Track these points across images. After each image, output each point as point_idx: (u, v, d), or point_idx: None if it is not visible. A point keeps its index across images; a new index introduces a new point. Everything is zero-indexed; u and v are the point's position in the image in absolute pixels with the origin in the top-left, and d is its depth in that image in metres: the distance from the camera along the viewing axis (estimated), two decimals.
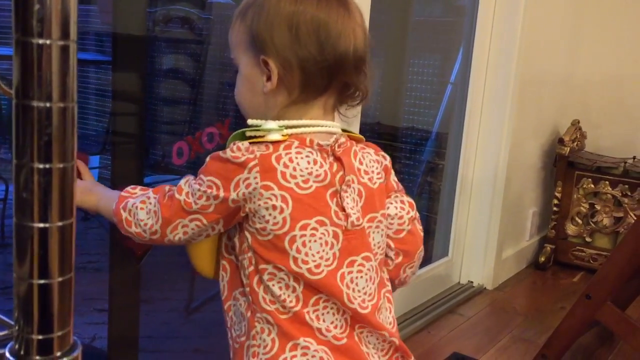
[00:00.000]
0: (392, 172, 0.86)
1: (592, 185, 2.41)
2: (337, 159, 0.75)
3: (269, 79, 0.75)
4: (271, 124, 0.73)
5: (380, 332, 0.78)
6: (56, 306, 0.35)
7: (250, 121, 0.76)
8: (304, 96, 0.75)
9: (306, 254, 0.73)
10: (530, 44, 2.10)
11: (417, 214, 0.89)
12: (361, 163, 0.79)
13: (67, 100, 0.32)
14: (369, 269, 0.77)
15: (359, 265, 0.77)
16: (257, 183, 0.71)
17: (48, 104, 0.32)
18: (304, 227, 0.73)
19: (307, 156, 0.73)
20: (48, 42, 0.31)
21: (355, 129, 1.49)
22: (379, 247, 0.81)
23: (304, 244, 0.73)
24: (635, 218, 2.26)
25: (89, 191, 0.86)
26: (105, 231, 1.69)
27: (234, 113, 2.20)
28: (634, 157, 2.44)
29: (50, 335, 0.35)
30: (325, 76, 0.74)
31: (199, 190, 0.72)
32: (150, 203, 0.77)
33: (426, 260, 2.12)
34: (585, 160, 2.43)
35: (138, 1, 1.33)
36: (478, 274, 2.17)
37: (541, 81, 2.33)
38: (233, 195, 0.71)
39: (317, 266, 0.73)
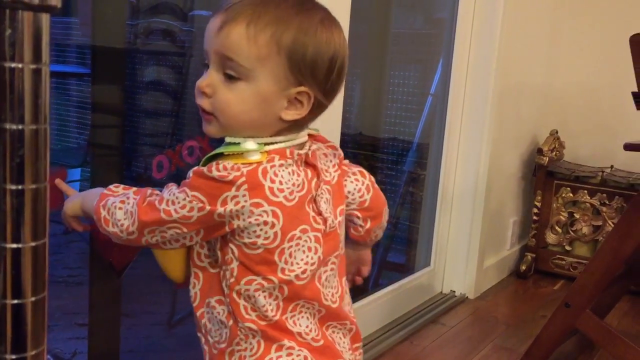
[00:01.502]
0: (343, 158, 0.86)
1: (571, 195, 2.44)
2: (309, 165, 0.76)
3: (290, 103, 0.74)
4: (250, 144, 0.72)
5: (344, 322, 0.81)
6: (30, 325, 0.35)
7: (228, 139, 0.74)
8: (302, 122, 0.76)
9: (292, 263, 0.74)
10: (509, 56, 2.13)
11: (372, 177, 0.90)
12: (321, 162, 0.79)
13: (40, 123, 0.33)
14: (336, 264, 0.80)
15: (331, 263, 0.79)
16: (246, 201, 0.70)
17: (20, 127, 0.32)
18: (291, 239, 0.74)
19: (287, 168, 0.73)
20: (20, 65, 0.31)
21: (335, 138, 1.51)
22: (343, 236, 0.84)
23: (290, 255, 0.74)
24: (613, 226, 2.29)
25: (72, 198, 0.86)
26: (87, 244, 1.68)
27: None
28: (612, 167, 2.48)
29: (23, 354, 0.35)
30: (327, 104, 0.76)
31: (183, 200, 0.70)
32: (128, 204, 0.75)
33: (408, 270, 2.13)
34: (564, 169, 2.47)
35: (117, 13, 1.34)
36: (460, 283, 2.19)
37: (520, 92, 2.36)
38: (220, 210, 0.70)
39: (304, 272, 0.75)
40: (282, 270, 0.74)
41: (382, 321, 1.85)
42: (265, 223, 0.72)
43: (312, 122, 0.79)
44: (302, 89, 0.73)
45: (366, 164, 2.22)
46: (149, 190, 0.77)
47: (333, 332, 0.81)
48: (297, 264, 0.74)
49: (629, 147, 1.39)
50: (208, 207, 0.70)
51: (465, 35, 2.06)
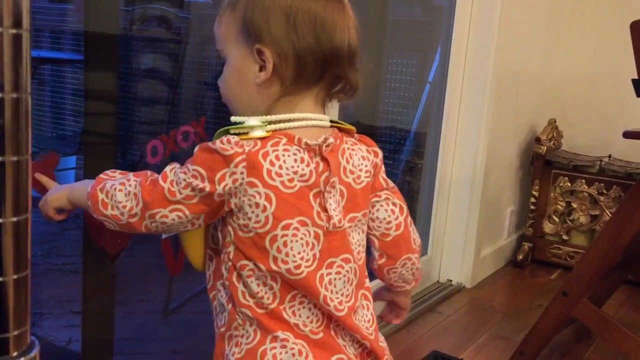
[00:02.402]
0: (383, 169, 0.85)
1: (569, 184, 2.43)
2: (324, 159, 0.74)
3: (261, 69, 0.73)
4: (253, 121, 0.72)
5: (353, 335, 0.78)
6: (12, 304, 0.34)
7: (233, 118, 0.74)
8: (296, 87, 0.74)
9: (286, 254, 0.72)
10: (507, 44, 2.11)
11: (409, 217, 0.88)
12: (348, 162, 0.77)
13: (20, 91, 0.31)
14: (347, 271, 0.77)
15: (337, 266, 0.76)
16: (243, 178, 0.70)
17: (0, 95, 0.31)
18: (286, 227, 0.72)
19: (294, 154, 0.72)
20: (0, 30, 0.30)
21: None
22: (359, 245, 0.80)
23: (285, 244, 0.72)
24: (610, 216, 2.28)
25: (57, 189, 0.84)
26: (81, 232, 1.67)
27: (210, 112, 2.18)
28: (610, 156, 2.47)
29: (5, 334, 0.34)
30: (319, 67, 0.73)
31: (184, 180, 0.70)
32: (130, 185, 0.74)
33: None
34: (562, 159, 2.46)
35: None
36: (457, 272, 2.18)
37: (518, 80, 2.35)
38: (219, 189, 0.70)
39: (297, 267, 0.73)
40: (275, 259, 0.72)
41: (378, 310, 1.84)
42: (257, 205, 0.71)
43: (331, 96, 0.78)
44: (257, 46, 0.72)
45: None
46: (148, 172, 0.76)
47: (342, 330, 0.78)
48: (293, 256, 0.72)
49: (628, 134, 1.38)
50: (208, 188, 0.69)
51: (464, 22, 2.04)
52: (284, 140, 0.72)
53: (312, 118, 0.75)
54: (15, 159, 0.32)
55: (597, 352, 1.76)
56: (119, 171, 0.80)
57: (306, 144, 0.73)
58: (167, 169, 0.73)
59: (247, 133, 0.71)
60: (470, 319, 1.94)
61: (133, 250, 1.16)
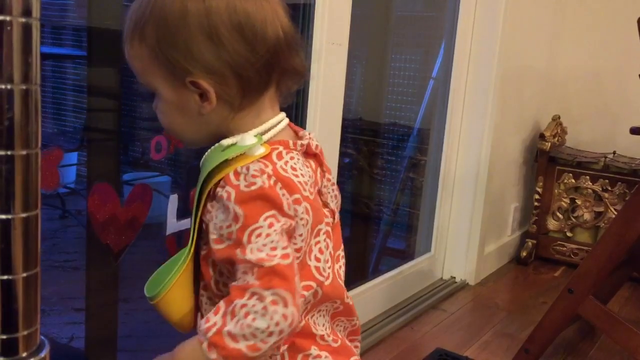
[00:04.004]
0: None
1: (573, 180, 2.42)
2: (312, 155, 0.71)
3: (202, 97, 0.64)
4: (249, 139, 0.65)
5: (351, 319, 0.76)
6: (21, 303, 0.33)
7: (224, 141, 0.66)
8: (246, 102, 0.66)
9: (318, 260, 0.68)
10: (512, 39, 2.10)
11: None
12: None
13: (30, 82, 0.30)
14: (342, 259, 0.76)
15: (342, 257, 0.75)
16: (288, 200, 0.63)
17: (9, 86, 0.30)
18: (317, 233, 0.68)
19: (298, 159, 0.67)
20: (8, 18, 0.29)
21: (336, 124, 1.48)
22: None
23: (320, 250, 0.68)
24: (615, 213, 2.27)
25: None
26: (84, 229, 1.67)
27: None
28: (614, 152, 2.46)
29: (15, 334, 0.33)
30: (263, 73, 0.65)
31: (268, 236, 0.60)
32: (250, 305, 0.58)
33: (409, 256, 2.12)
34: (566, 155, 2.44)
35: None
36: (460, 269, 2.17)
37: (522, 77, 2.33)
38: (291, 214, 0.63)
39: (325, 269, 0.69)
40: (317, 269, 0.67)
41: (382, 307, 1.83)
42: (306, 223, 0.65)
43: (272, 96, 0.69)
44: (189, 79, 0.63)
45: (366, 149, 2.20)
46: (237, 286, 0.61)
47: (339, 326, 0.76)
48: (324, 262, 0.68)
49: (636, 130, 1.37)
50: (284, 220, 0.62)
51: (468, 18, 2.03)
52: (281, 149, 0.66)
53: (281, 119, 0.70)
54: (24, 152, 0.31)
55: (602, 350, 1.75)
56: (211, 313, 0.62)
57: (302, 145, 0.69)
58: (252, 260, 0.60)
59: (243, 154, 0.64)
60: (474, 316, 1.94)
61: (137, 247, 1.15)
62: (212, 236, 0.63)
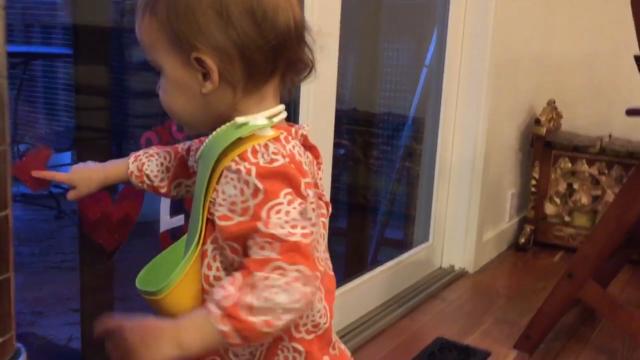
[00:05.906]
0: None
1: (570, 165, 2.41)
2: (308, 147, 0.70)
3: (205, 77, 0.64)
4: (260, 120, 0.64)
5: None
6: None
7: (238, 119, 0.64)
8: (250, 87, 0.65)
9: (317, 250, 0.66)
10: (504, 25, 2.08)
11: None
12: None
13: None
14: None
15: (328, 249, 0.74)
16: (303, 182, 0.63)
17: None
18: (319, 224, 0.67)
19: (299, 147, 0.66)
20: None
21: (329, 115, 1.46)
22: None
23: (317, 241, 0.66)
24: (613, 196, 2.26)
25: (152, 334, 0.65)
26: (78, 229, 1.65)
27: None
28: (610, 135, 2.45)
29: None
30: (270, 59, 0.64)
31: (292, 218, 0.59)
32: (273, 278, 0.57)
33: (407, 246, 2.11)
34: (562, 139, 2.43)
35: None
36: (459, 257, 2.16)
37: (516, 62, 2.32)
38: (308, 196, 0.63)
39: (321, 261, 0.67)
40: (317, 259, 0.64)
41: (382, 298, 1.83)
42: (314, 208, 0.63)
43: (277, 86, 0.68)
44: (194, 55, 0.63)
45: (361, 139, 2.18)
46: (255, 257, 0.60)
47: None
48: (325, 252, 0.69)
49: (631, 112, 1.36)
50: (299, 200, 0.61)
51: (460, 4, 2.01)
52: (285, 134, 0.65)
53: (282, 110, 0.69)
54: None
55: (603, 334, 1.75)
56: (227, 282, 0.60)
57: (302, 135, 0.68)
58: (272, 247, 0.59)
59: (252, 135, 0.63)
60: (475, 304, 1.93)
61: (132, 245, 1.14)
62: (218, 213, 0.62)
